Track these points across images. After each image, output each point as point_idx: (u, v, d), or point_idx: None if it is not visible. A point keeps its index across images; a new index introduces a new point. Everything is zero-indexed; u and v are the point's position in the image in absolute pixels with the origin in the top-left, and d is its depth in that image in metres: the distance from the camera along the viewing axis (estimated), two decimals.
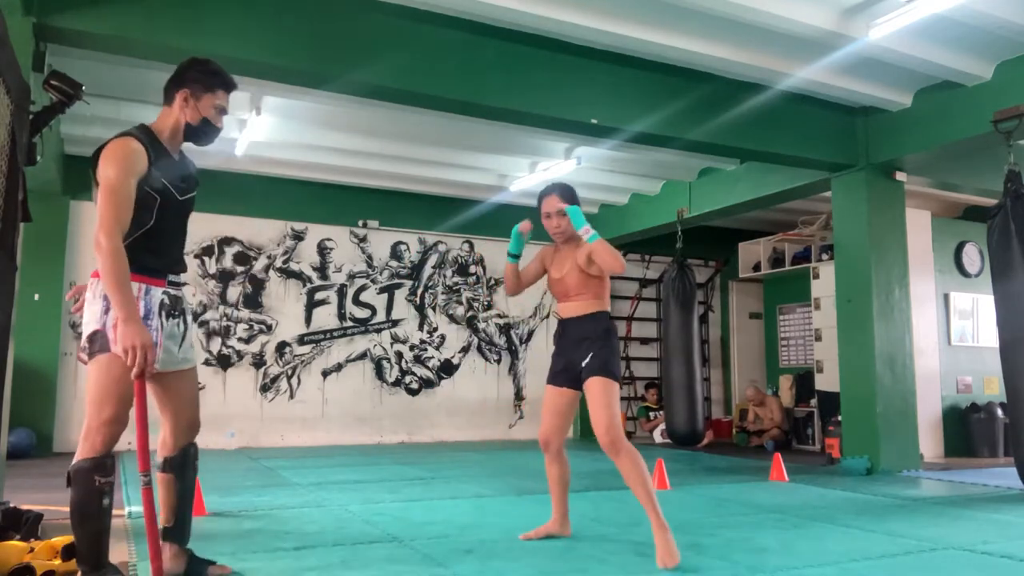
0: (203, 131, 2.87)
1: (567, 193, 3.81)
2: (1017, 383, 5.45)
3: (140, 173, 2.64)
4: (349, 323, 9.41)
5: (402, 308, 9.74)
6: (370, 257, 9.63)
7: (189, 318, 2.89)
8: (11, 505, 3.59)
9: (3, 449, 4.19)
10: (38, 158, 3.47)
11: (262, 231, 9.09)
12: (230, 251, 8.91)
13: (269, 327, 9.00)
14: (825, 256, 8.97)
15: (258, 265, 9.03)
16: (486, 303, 10.26)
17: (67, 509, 2.58)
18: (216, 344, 8.72)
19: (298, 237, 9.26)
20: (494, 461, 7.42)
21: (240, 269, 8.93)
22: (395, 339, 9.66)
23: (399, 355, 9.66)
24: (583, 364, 3.47)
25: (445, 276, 10.06)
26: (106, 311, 2.58)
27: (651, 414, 10.20)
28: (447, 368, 9.93)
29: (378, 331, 9.57)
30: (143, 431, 2.52)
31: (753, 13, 4.94)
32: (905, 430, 6.86)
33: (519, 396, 10.31)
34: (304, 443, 8.90)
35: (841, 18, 5.17)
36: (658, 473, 5.66)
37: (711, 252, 11.18)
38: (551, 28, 5.19)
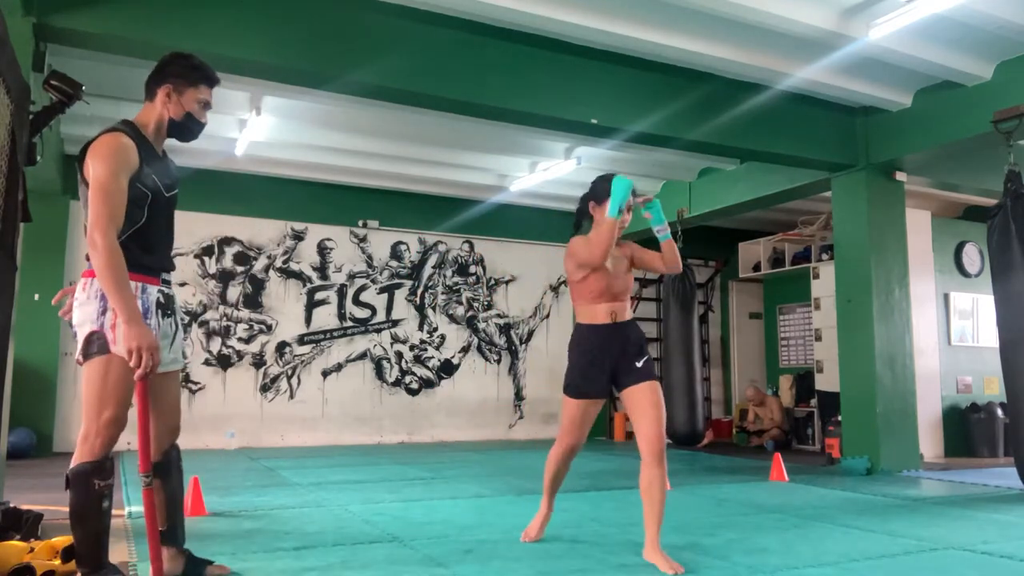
0: (187, 126, 2.82)
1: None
2: (1017, 383, 5.45)
3: (131, 169, 2.60)
4: (349, 323, 9.41)
5: (402, 308, 9.74)
6: (370, 257, 9.63)
7: (179, 318, 2.88)
8: (11, 505, 3.59)
9: (3, 449, 4.19)
10: (38, 158, 3.47)
11: (262, 231, 9.09)
12: (230, 251, 8.91)
13: (269, 327, 9.00)
14: (825, 256, 8.97)
15: (258, 265, 9.03)
16: (486, 303, 10.26)
17: (67, 509, 2.57)
18: (216, 344, 8.72)
19: (298, 237, 9.26)
20: (494, 461, 7.41)
21: (240, 269, 8.93)
22: (395, 339, 9.66)
23: (399, 355, 9.66)
24: (638, 365, 3.33)
25: (445, 276, 10.06)
26: (103, 311, 2.55)
27: None
28: (447, 368, 9.93)
29: (378, 331, 9.57)
30: (145, 432, 2.51)
31: (753, 13, 4.94)
32: (905, 430, 6.86)
33: (519, 396, 10.31)
34: (304, 443, 8.90)
35: (841, 18, 5.17)
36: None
37: (711, 252, 11.18)
38: (551, 28, 5.19)
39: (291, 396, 9.01)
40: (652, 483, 3.22)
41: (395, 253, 9.79)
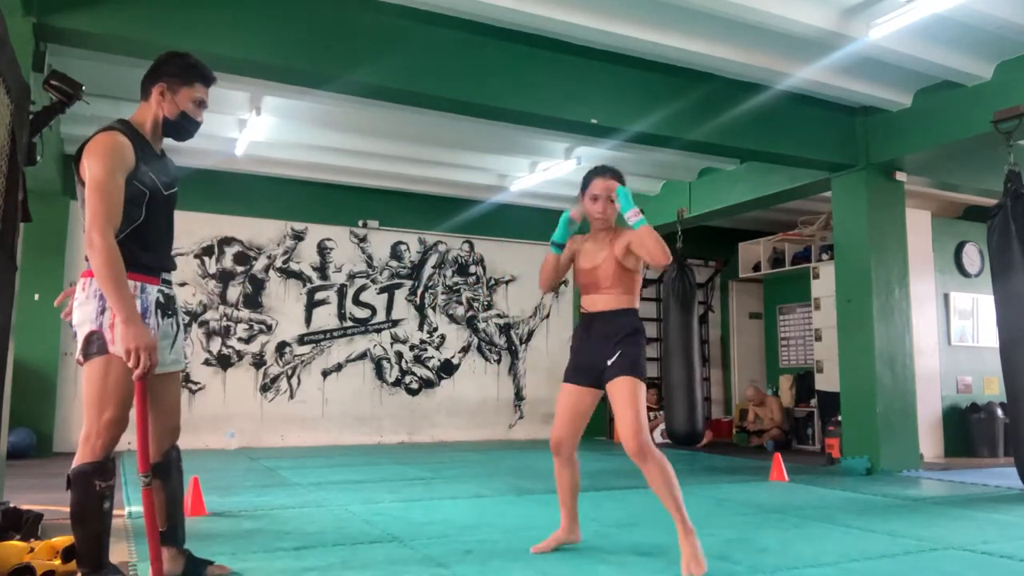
0: (182, 125, 2.80)
1: (620, 176, 3.58)
2: (1017, 383, 5.45)
3: (128, 168, 2.59)
4: (349, 323, 9.41)
5: (402, 308, 9.74)
6: (370, 257, 9.63)
7: (181, 318, 2.88)
8: (11, 505, 3.59)
9: (3, 449, 4.19)
10: (38, 158, 3.47)
11: (262, 231, 9.09)
12: (230, 251, 8.91)
13: (269, 327, 9.00)
14: (825, 256, 8.97)
15: (258, 265, 9.03)
16: (486, 303, 10.26)
17: (67, 509, 2.57)
18: (216, 344, 8.72)
19: (298, 237, 9.26)
20: (494, 461, 7.41)
21: (240, 269, 8.93)
22: (395, 339, 9.66)
23: (399, 355, 9.66)
24: (609, 362, 3.21)
25: (445, 276, 10.06)
26: (102, 311, 2.54)
27: (651, 414, 10.20)
28: (447, 368, 9.93)
29: (378, 331, 9.57)
30: (144, 432, 2.51)
31: (753, 13, 4.94)
32: (905, 430, 6.86)
33: (519, 396, 10.31)
34: (304, 443, 8.90)
35: (841, 18, 5.17)
36: None
37: (711, 252, 11.18)
38: (551, 28, 5.19)
39: (291, 396, 9.01)
40: (651, 480, 3.10)
41: (395, 253, 9.79)
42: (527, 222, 10.36)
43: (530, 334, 10.48)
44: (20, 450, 7.03)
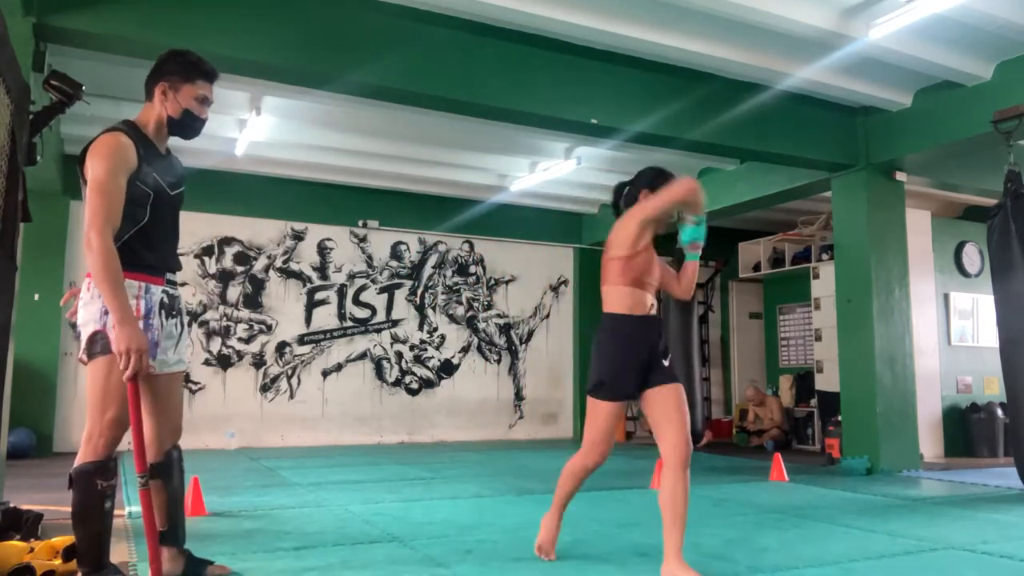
0: (186, 123, 2.78)
1: None
2: (1017, 383, 5.45)
3: (130, 169, 2.58)
4: (349, 323, 9.41)
5: (402, 308, 9.74)
6: (370, 257, 9.63)
7: (185, 319, 2.88)
8: (11, 505, 3.59)
9: (3, 449, 4.19)
10: (38, 158, 3.47)
11: (262, 231, 9.09)
12: (230, 251, 8.91)
13: (269, 327, 9.00)
14: (825, 256, 8.97)
15: (258, 265, 9.03)
16: (486, 303, 10.26)
17: (67, 509, 2.57)
18: (216, 344, 8.71)
19: (298, 237, 9.26)
20: (494, 461, 7.41)
21: (240, 269, 8.93)
22: (395, 339, 9.66)
23: (399, 355, 9.66)
24: (666, 363, 3.09)
25: (445, 276, 10.05)
26: (106, 311, 2.53)
27: None
28: (447, 368, 9.93)
29: (378, 331, 9.57)
30: (139, 433, 2.51)
31: (753, 13, 4.94)
32: (905, 430, 6.86)
33: (519, 396, 10.31)
34: (304, 443, 8.89)
35: (841, 18, 5.17)
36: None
37: (711, 252, 11.13)
38: (551, 28, 5.19)
39: (291, 396, 9.01)
40: (676, 493, 2.96)
41: (395, 253, 9.78)
42: (527, 222, 10.37)
43: (530, 334, 10.48)
44: (20, 450, 7.03)
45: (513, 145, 7.92)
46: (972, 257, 8.85)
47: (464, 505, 4.81)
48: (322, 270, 9.36)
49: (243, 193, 8.80)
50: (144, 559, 3.10)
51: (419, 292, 9.87)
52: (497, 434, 10.07)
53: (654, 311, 3.15)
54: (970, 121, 6.07)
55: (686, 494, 2.96)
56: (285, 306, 9.10)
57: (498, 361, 10.25)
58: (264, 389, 8.89)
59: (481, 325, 10.19)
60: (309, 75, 5.31)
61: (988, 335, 8.00)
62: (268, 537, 3.75)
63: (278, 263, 9.13)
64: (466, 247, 10.22)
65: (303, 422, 9.00)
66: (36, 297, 7.60)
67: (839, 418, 7.28)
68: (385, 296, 9.67)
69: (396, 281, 9.75)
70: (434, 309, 9.94)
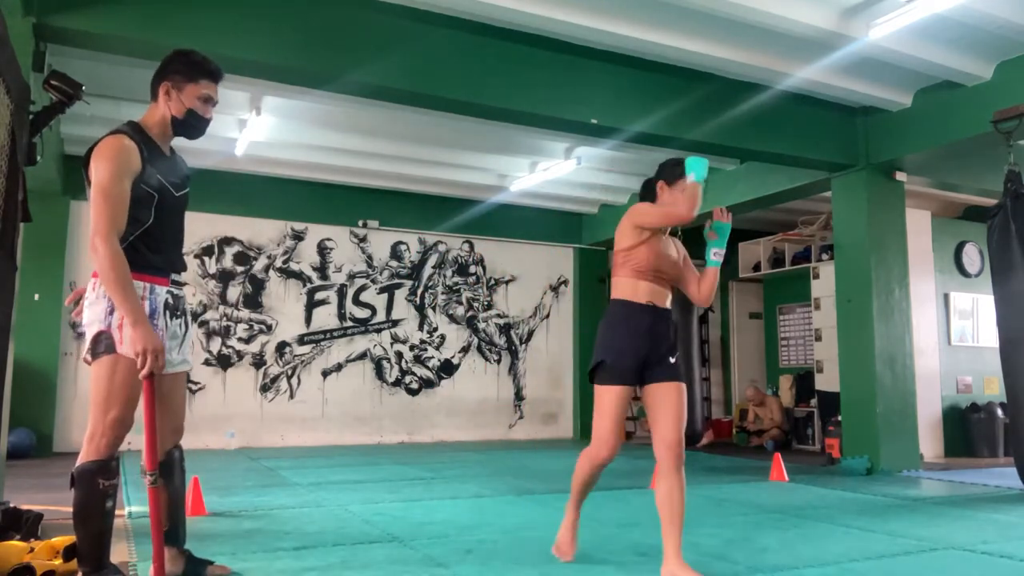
0: (190, 123, 2.77)
1: None
2: (1017, 383, 5.45)
3: (134, 172, 2.58)
4: (349, 323, 9.41)
5: (402, 308, 9.74)
6: (370, 257, 9.63)
7: (189, 319, 2.88)
8: (11, 505, 3.59)
9: (3, 449, 4.19)
10: (38, 158, 3.48)
11: (262, 231, 9.09)
12: (230, 251, 8.91)
13: (269, 327, 9.00)
14: (825, 256, 8.97)
15: (258, 265, 9.03)
16: (486, 303, 10.26)
17: (67, 509, 2.57)
18: (216, 344, 8.71)
19: (298, 237, 9.26)
20: (494, 461, 7.41)
21: (240, 269, 8.93)
22: (395, 339, 9.66)
23: (399, 355, 9.66)
24: (671, 360, 3.07)
25: (445, 276, 10.06)
26: (110, 312, 2.54)
27: None
28: (447, 368, 9.93)
29: (378, 331, 9.57)
30: (152, 431, 2.51)
31: (753, 13, 4.94)
32: (905, 430, 6.86)
33: (519, 396, 10.31)
34: (304, 443, 8.89)
35: (841, 18, 5.17)
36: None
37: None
38: (551, 28, 5.19)
39: (291, 396, 9.01)
40: (672, 493, 2.95)
41: (395, 253, 9.79)
42: (527, 222, 10.37)
43: (530, 334, 10.48)
44: (20, 450, 7.03)
45: (513, 145, 7.92)
46: (972, 257, 8.85)
47: (464, 505, 4.81)
48: (322, 270, 9.36)
49: (243, 193, 8.80)
50: (144, 559, 3.11)
51: (419, 292, 9.87)
52: (497, 434, 10.07)
53: (661, 303, 3.12)
54: (970, 121, 6.07)
55: (682, 493, 2.97)
56: (285, 306, 9.10)
57: (498, 361, 10.25)
58: (264, 389, 8.89)
59: (481, 325, 10.19)
60: (309, 75, 5.31)
61: (988, 335, 8.00)
62: (268, 537, 3.75)
63: (278, 263, 9.13)
64: (466, 247, 10.23)
65: (303, 422, 9.00)
66: (36, 297, 7.60)
67: (839, 418, 7.28)
68: (385, 296, 9.67)
69: (396, 281, 9.75)
70: (434, 309, 9.94)
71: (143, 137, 2.69)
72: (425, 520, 4.25)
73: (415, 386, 9.71)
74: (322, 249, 9.37)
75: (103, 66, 5.47)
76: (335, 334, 9.33)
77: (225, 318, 8.79)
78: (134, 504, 4.43)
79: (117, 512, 2.71)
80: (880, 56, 5.64)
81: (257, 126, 7.06)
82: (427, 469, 6.68)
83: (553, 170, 8.45)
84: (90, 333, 2.59)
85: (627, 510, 4.58)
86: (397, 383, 9.61)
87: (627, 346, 3.06)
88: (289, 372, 9.04)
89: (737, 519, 4.33)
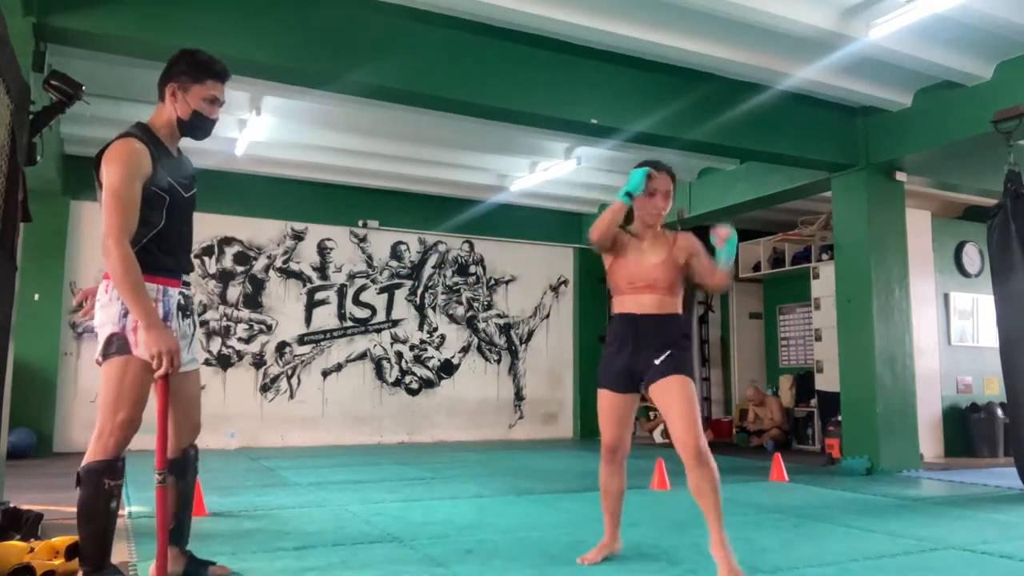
0: (195, 124, 2.78)
1: (674, 176, 3.39)
2: (1017, 383, 5.45)
3: (145, 175, 2.59)
4: (349, 323, 9.41)
5: (402, 308, 9.74)
6: (370, 257, 9.63)
7: (196, 318, 2.90)
8: (11, 505, 3.59)
9: (3, 449, 4.19)
10: (38, 158, 3.48)
11: (262, 231, 9.09)
12: (230, 251, 8.91)
13: (269, 327, 9.00)
14: (825, 256, 8.97)
15: (258, 265, 9.03)
16: (486, 303, 10.26)
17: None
18: (216, 344, 8.72)
19: (298, 237, 9.26)
20: (494, 461, 7.41)
21: (240, 269, 8.93)
22: (395, 339, 9.66)
23: (399, 355, 9.66)
24: (656, 361, 3.08)
25: (445, 276, 10.06)
26: (125, 314, 2.55)
27: (651, 414, 10.19)
28: (447, 368, 9.93)
29: (378, 331, 9.57)
30: (164, 431, 2.52)
31: (753, 13, 4.95)
32: (905, 430, 6.86)
33: (519, 396, 10.31)
34: (304, 443, 8.90)
35: (841, 18, 5.17)
36: (658, 473, 5.68)
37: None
38: (551, 28, 5.19)
39: (291, 396, 9.01)
40: (699, 486, 2.96)
41: (395, 253, 9.79)
42: (527, 222, 10.37)
43: (530, 334, 10.48)
44: (20, 450, 7.02)
45: (513, 145, 7.92)
46: (972, 257, 8.85)
47: (464, 505, 4.81)
48: (322, 270, 9.36)
49: (243, 193, 8.80)
50: (144, 559, 3.11)
51: (419, 292, 9.87)
52: (497, 434, 10.07)
53: (647, 309, 3.18)
54: (970, 121, 6.07)
55: (712, 483, 2.95)
56: (285, 306, 9.10)
57: (498, 361, 10.25)
58: (264, 389, 8.89)
59: (481, 325, 10.19)
60: (309, 75, 5.31)
61: (988, 335, 8.00)
62: (268, 537, 3.75)
63: (278, 263, 9.14)
64: (466, 247, 10.23)
65: (303, 422, 9.01)
66: (36, 297, 7.60)
67: (839, 418, 7.28)
68: (385, 296, 9.67)
69: (396, 281, 9.76)
70: (434, 309, 9.94)
71: (152, 139, 2.69)
72: (425, 520, 4.25)
73: (415, 386, 9.71)
74: (322, 249, 9.37)
75: (103, 66, 5.47)
76: (335, 334, 9.33)
77: (225, 318, 8.79)
78: (134, 504, 4.44)
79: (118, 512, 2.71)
80: (880, 56, 5.64)
81: (257, 126, 7.06)
82: (427, 469, 6.68)
83: (553, 170, 8.45)
84: (102, 334, 2.60)
85: (627, 510, 4.55)
86: (397, 383, 9.61)
87: (612, 352, 3.23)
88: (289, 372, 9.04)
89: (737, 519, 4.32)
